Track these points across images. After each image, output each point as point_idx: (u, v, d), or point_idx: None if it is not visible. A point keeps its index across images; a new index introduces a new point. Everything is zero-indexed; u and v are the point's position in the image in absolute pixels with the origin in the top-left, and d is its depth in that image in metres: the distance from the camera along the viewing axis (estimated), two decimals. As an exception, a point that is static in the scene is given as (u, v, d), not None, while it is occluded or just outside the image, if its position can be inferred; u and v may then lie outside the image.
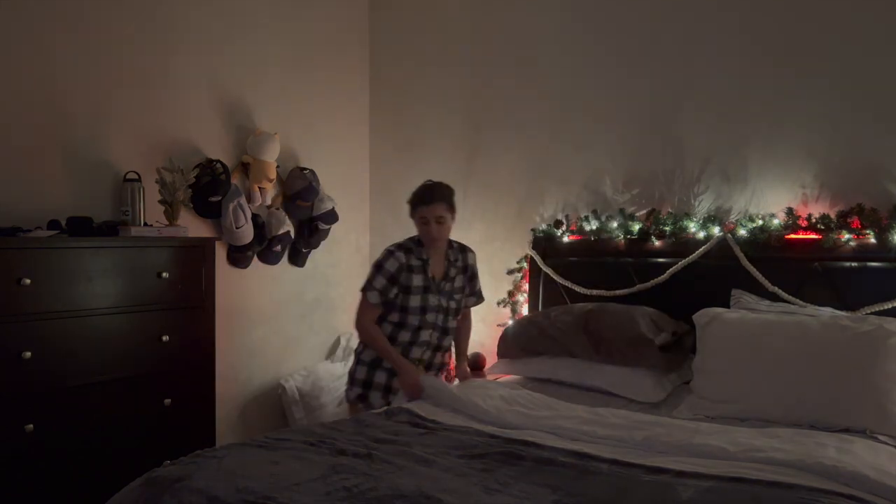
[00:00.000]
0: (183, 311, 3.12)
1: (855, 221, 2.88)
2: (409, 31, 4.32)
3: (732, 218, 3.23)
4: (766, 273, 2.98)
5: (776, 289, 2.94)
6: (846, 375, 2.44)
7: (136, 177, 3.12)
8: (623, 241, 3.44)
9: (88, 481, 2.73)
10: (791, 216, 3.03)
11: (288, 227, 3.86)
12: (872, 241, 2.84)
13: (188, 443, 2.54)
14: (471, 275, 3.16)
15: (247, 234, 3.60)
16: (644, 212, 3.44)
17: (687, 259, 3.18)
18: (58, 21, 3.02)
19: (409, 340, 2.98)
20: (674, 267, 3.21)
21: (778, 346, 2.59)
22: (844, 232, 2.88)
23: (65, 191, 3.05)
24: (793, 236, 3.01)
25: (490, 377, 3.35)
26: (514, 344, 3.28)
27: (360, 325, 2.99)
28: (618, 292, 3.33)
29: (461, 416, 2.47)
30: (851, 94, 2.97)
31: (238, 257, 3.72)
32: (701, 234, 3.22)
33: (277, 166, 3.80)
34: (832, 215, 2.95)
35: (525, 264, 3.76)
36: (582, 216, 3.60)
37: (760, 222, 3.07)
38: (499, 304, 3.80)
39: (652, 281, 3.26)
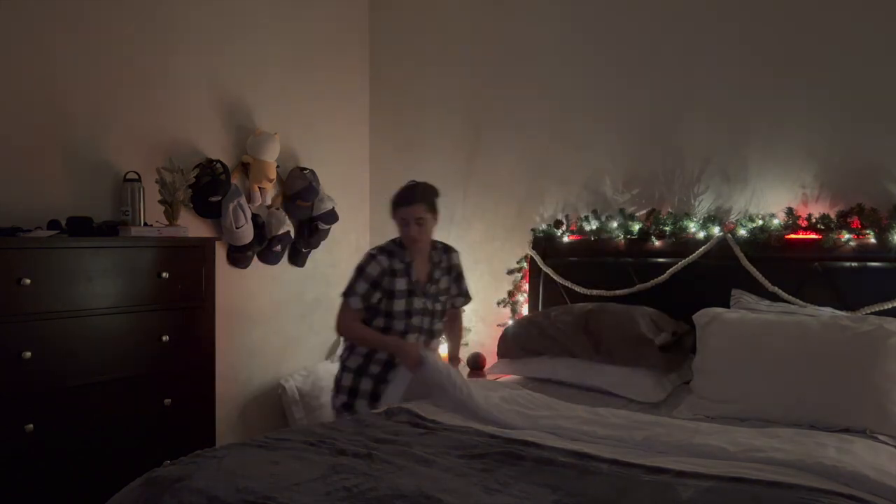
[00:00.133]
0: (183, 311, 3.12)
1: (855, 221, 2.89)
2: (409, 31, 4.32)
3: (732, 218, 3.23)
4: (766, 273, 2.98)
5: (776, 289, 2.94)
6: (846, 375, 2.44)
7: (136, 177, 3.12)
8: (623, 241, 3.43)
9: (88, 481, 2.73)
10: (791, 216, 3.03)
11: (288, 227, 3.86)
12: (872, 241, 2.84)
13: (188, 443, 2.54)
14: (456, 275, 3.07)
15: (247, 234, 3.60)
16: (644, 212, 3.44)
17: (687, 259, 3.18)
18: (58, 21, 3.02)
19: None
20: (674, 267, 3.21)
21: (778, 346, 2.59)
22: (844, 232, 2.89)
23: (65, 191, 3.05)
24: (793, 236, 3.01)
25: (490, 377, 3.35)
26: (514, 344, 3.28)
27: (342, 327, 2.91)
28: (618, 292, 3.33)
29: (460, 417, 2.47)
30: (851, 100, 2.97)
31: (238, 257, 3.72)
32: (701, 234, 3.22)
33: (277, 166, 3.80)
34: (832, 215, 2.95)
35: (525, 264, 3.76)
36: (582, 216, 3.60)
37: (760, 222, 3.07)
38: (499, 304, 3.80)
39: (652, 281, 3.26)
